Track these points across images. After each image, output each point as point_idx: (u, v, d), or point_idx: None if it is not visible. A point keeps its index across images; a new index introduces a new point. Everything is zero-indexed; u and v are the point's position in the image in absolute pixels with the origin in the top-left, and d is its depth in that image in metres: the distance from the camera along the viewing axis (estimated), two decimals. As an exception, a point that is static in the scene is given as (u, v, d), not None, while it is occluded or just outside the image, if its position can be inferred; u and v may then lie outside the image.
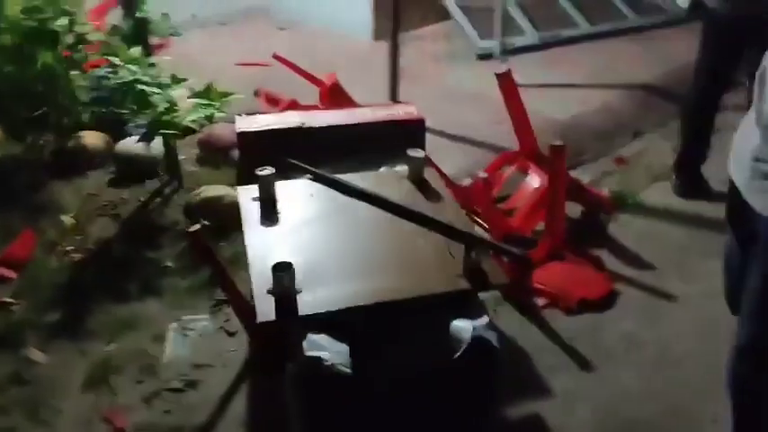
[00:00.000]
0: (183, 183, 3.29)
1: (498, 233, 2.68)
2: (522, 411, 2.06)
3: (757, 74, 1.41)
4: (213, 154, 3.53)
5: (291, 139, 2.33)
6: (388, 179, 2.19)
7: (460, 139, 3.71)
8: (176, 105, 2.80)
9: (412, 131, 2.42)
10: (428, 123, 2.46)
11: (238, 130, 2.29)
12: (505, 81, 2.87)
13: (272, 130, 2.30)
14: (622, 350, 2.32)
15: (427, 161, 2.20)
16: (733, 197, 1.50)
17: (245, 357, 2.31)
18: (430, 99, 4.13)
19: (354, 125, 2.39)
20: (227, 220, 2.94)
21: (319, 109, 2.97)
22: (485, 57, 4.92)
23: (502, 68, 2.88)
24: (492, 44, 4.92)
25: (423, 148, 2.37)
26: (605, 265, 2.74)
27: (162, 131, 2.85)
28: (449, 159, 3.20)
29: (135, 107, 2.74)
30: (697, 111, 3.13)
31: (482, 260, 1.76)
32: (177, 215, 3.07)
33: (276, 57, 3.34)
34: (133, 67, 2.71)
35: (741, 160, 1.44)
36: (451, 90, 4.43)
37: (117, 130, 3.59)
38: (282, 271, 1.65)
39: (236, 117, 2.39)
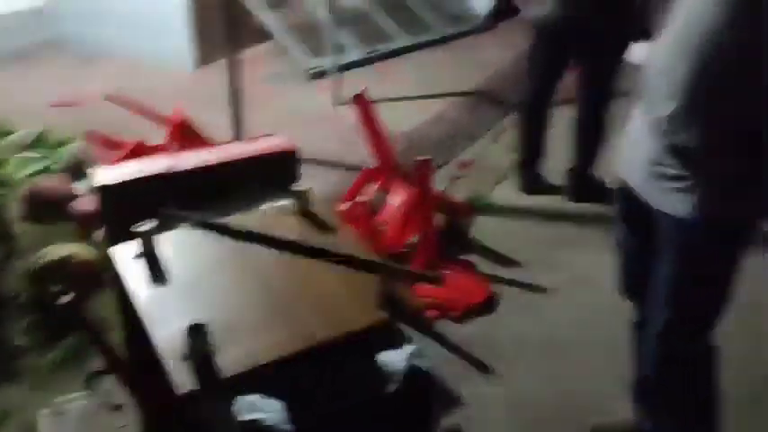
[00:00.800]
0: (17, 246, 2.92)
1: (378, 252, 2.70)
2: (444, 424, 2.09)
3: (640, 80, 1.56)
4: (44, 209, 3.17)
5: (159, 186, 2.15)
6: (275, 216, 2.11)
7: (314, 162, 3.68)
8: (3, 162, 2.47)
9: (284, 162, 2.35)
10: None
11: (98, 185, 2.08)
12: (361, 101, 2.91)
13: (138, 179, 2.11)
14: (514, 349, 2.45)
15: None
16: (626, 197, 1.65)
17: (140, 432, 2.09)
18: (272, 125, 4.03)
19: (225, 164, 2.27)
20: (79, 281, 2.66)
21: (171, 149, 2.79)
22: (317, 76, 4.94)
23: (358, 89, 2.91)
24: (323, 62, 4.94)
25: (297, 178, 2.33)
26: (478, 268, 2.87)
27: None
28: (310, 183, 3.16)
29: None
30: (531, 113, 3.40)
31: (395, 288, 1.76)
32: (16, 284, 2.71)
33: (110, 98, 3.07)
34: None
35: (635, 164, 1.58)
36: (291, 113, 4.39)
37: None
38: (197, 333, 1.52)
39: (89, 170, 2.17)
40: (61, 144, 2.60)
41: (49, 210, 3.15)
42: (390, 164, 3.08)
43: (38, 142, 2.58)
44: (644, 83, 1.52)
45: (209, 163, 2.26)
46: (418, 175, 2.71)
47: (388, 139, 3.03)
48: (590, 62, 3.19)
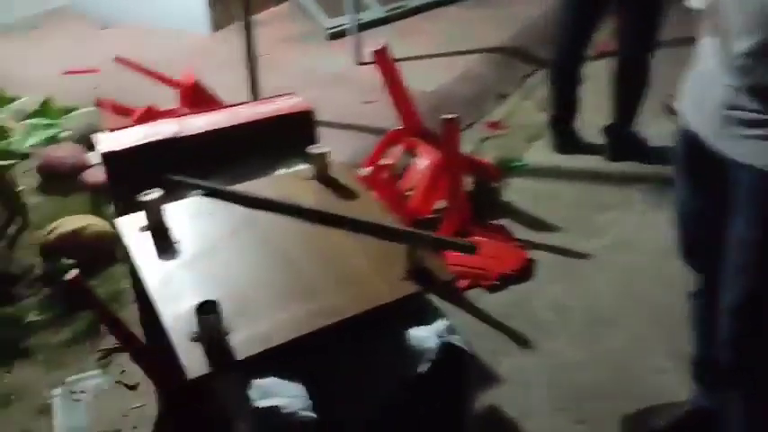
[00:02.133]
0: (29, 219, 2.81)
1: (404, 219, 2.54)
2: (481, 404, 1.94)
3: (704, 10, 1.35)
4: (58, 180, 3.06)
5: (167, 152, 2.00)
6: (292, 182, 1.94)
7: (336, 124, 3.50)
8: (9, 130, 2.34)
9: (301, 124, 2.17)
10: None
11: (103, 152, 1.93)
12: (382, 58, 2.71)
13: (145, 145, 1.96)
14: (554, 319, 2.28)
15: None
16: (690, 148, 1.45)
17: (157, 414, 1.98)
18: (291, 86, 3.88)
19: (237, 126, 2.09)
20: (93, 254, 2.55)
21: (182, 113, 2.63)
22: (336, 36, 4.72)
23: (378, 44, 2.71)
24: (343, 21, 4.72)
25: (314, 140, 2.16)
26: (512, 234, 2.69)
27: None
28: (330, 147, 3.00)
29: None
30: (564, 67, 3.16)
31: (424, 257, 1.60)
32: (29, 258, 2.61)
33: (119, 60, 2.91)
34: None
35: (704, 109, 1.38)
36: (311, 74, 4.20)
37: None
38: (208, 312, 1.38)
39: (95, 136, 2.02)
40: (67, 111, 2.45)
41: (61, 180, 3.04)
42: (415, 125, 2.89)
43: (43, 110, 2.43)
44: (714, 17, 1.31)
45: (220, 126, 2.09)
46: (445, 136, 2.52)
47: (412, 99, 2.84)
48: (630, 8, 2.92)
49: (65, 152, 2.94)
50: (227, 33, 4.94)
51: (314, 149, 1.92)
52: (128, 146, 1.96)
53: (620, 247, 2.57)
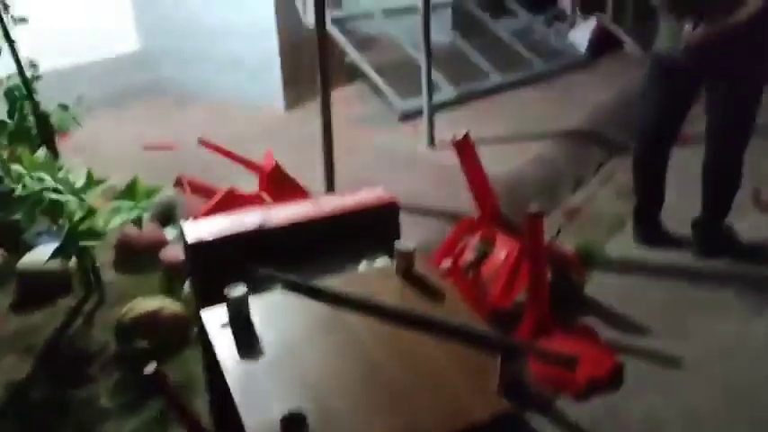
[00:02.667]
0: (105, 296, 2.83)
1: (481, 313, 2.43)
2: None
3: None
4: (134, 257, 3.10)
5: (251, 243, 1.98)
6: (376, 278, 1.89)
7: (409, 209, 3.46)
8: (96, 211, 2.38)
9: (385, 217, 2.14)
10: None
11: (191, 242, 1.92)
12: (464, 145, 2.67)
13: (231, 236, 1.95)
14: (648, 432, 2.10)
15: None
16: None
17: None
18: (364, 167, 3.91)
19: (321, 219, 2.07)
20: (167, 337, 2.53)
21: (260, 198, 2.65)
22: (408, 117, 4.77)
23: (460, 132, 2.68)
24: (415, 103, 4.77)
25: (398, 234, 2.12)
26: (598, 335, 2.54)
27: (80, 243, 2.41)
28: (403, 233, 2.96)
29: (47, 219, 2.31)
30: (649, 158, 3.04)
31: (519, 368, 1.49)
32: (104, 336, 2.61)
33: (203, 142, 2.97)
34: (41, 174, 2.28)
35: None
36: (384, 155, 4.22)
37: (10, 240, 3.10)
38: (296, 425, 1.31)
39: (182, 223, 2.02)
40: (152, 193, 2.48)
41: (138, 259, 3.07)
42: (493, 212, 2.82)
43: (129, 190, 2.48)
44: None
45: (304, 218, 2.07)
46: (530, 231, 2.43)
47: (490, 186, 2.77)
48: (723, 94, 2.76)
49: (139, 230, 2.98)
50: (299, 112, 5.07)
51: (401, 246, 1.87)
52: (214, 237, 1.95)
53: (718, 354, 2.38)
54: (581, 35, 6.38)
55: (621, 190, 3.69)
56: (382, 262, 1.97)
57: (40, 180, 2.26)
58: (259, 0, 4.83)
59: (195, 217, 2.34)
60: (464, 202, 2.90)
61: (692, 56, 2.66)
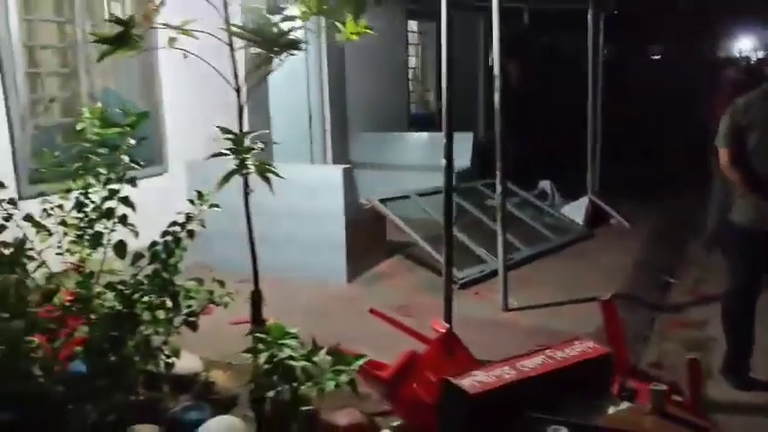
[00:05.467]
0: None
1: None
2: None
3: None
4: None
5: (514, 393, 2.28)
6: (635, 417, 2.21)
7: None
8: (318, 374, 2.59)
9: (603, 364, 2.50)
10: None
11: (472, 392, 2.19)
12: (609, 307, 3.12)
13: (502, 386, 2.24)
14: None
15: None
16: None
17: None
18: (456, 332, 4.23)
19: (560, 369, 2.41)
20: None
21: (442, 359, 2.94)
22: (465, 285, 5.21)
23: (605, 295, 3.13)
24: (470, 272, 5.25)
25: (612, 380, 2.47)
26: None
27: (301, 408, 2.57)
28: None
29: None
30: (740, 312, 3.58)
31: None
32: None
33: (373, 312, 3.26)
34: (288, 341, 2.51)
35: None
36: (463, 320, 4.55)
37: (157, 418, 3.17)
38: None
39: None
40: (357, 359, 2.71)
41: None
42: (626, 366, 3.20)
43: (338, 354, 2.70)
44: None
45: (545, 370, 2.39)
46: (690, 376, 2.82)
47: (627, 347, 3.19)
48: None
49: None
50: (360, 283, 5.42)
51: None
52: (489, 388, 2.23)
53: None
54: (575, 210, 7.26)
55: (685, 344, 4.21)
56: (631, 405, 2.30)
57: (285, 347, 2.49)
58: (330, 193, 5.34)
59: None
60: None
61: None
